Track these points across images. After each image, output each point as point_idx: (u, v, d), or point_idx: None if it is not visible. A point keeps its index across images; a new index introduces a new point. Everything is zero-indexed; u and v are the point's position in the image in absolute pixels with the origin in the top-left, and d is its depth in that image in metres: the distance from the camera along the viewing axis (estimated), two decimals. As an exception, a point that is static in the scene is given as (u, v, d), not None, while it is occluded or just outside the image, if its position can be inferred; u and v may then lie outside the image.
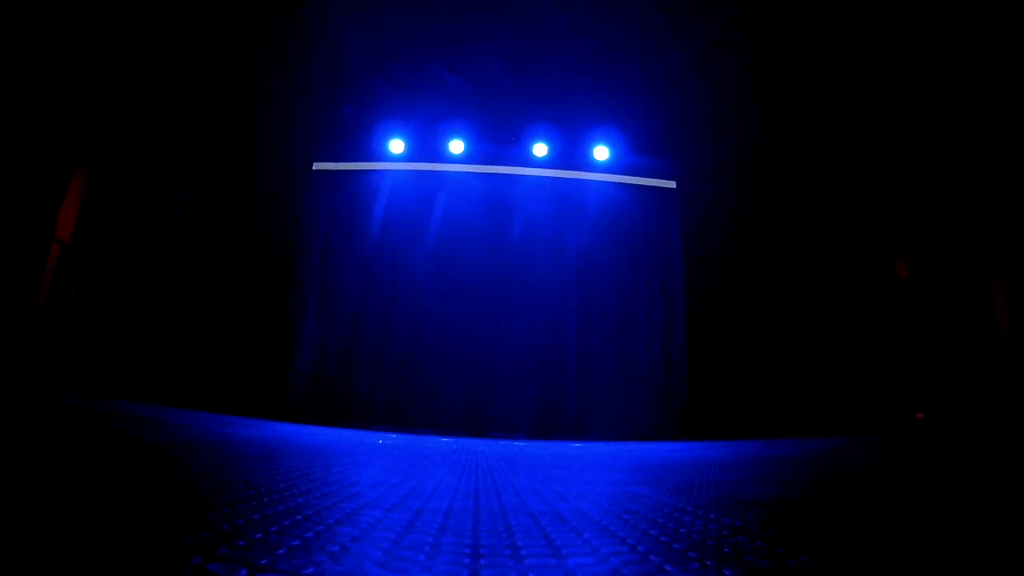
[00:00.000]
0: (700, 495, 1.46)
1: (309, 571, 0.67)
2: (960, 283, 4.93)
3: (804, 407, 6.32)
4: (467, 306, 7.36)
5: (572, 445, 4.76)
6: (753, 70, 6.19)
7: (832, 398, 6.30)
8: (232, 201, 7.09)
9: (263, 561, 0.68)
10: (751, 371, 6.92)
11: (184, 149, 6.02)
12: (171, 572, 0.63)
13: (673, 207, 8.06)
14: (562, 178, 8.07)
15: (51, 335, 6.05)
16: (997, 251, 5.14)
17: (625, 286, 7.86)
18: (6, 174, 4.65)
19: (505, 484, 1.72)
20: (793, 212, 7.25)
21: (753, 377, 6.88)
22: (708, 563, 0.77)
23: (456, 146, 7.77)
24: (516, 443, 4.82)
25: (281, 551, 0.73)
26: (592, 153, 7.83)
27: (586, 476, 2.24)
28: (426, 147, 7.88)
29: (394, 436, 4.79)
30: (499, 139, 7.86)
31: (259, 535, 0.80)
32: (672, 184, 8.10)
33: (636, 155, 7.93)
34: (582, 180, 8.10)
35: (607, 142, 7.72)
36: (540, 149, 7.77)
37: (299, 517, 0.96)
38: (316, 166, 7.96)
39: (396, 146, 7.81)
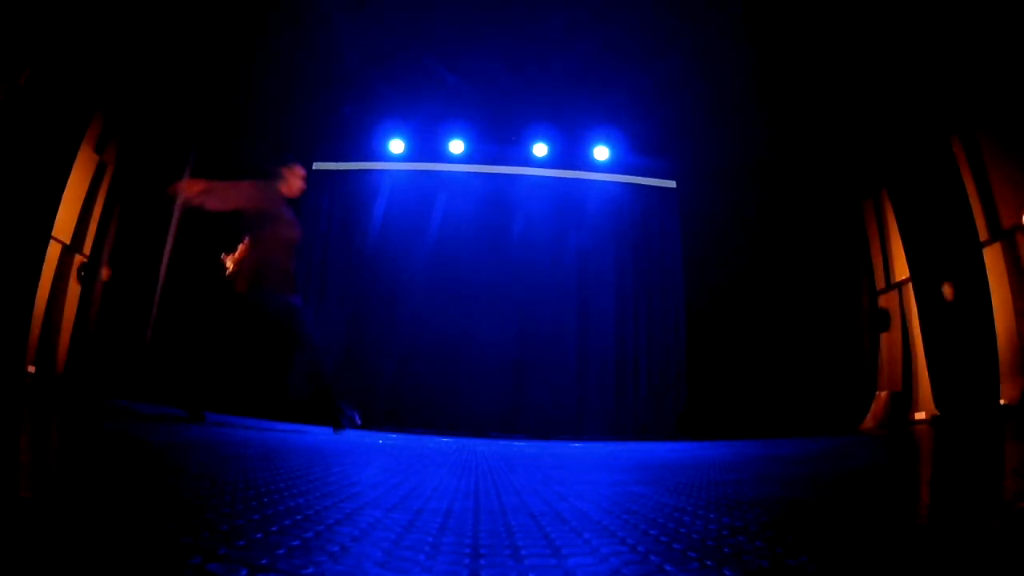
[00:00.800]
0: (700, 495, 1.46)
1: (309, 571, 0.67)
2: (961, 283, 4.92)
3: (804, 407, 6.33)
4: (467, 306, 7.36)
5: (572, 445, 4.76)
6: (753, 70, 6.19)
7: (832, 398, 6.31)
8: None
9: (263, 561, 0.68)
10: (751, 371, 6.92)
11: (184, 148, 6.02)
12: (171, 572, 0.63)
13: (673, 207, 8.06)
14: (562, 178, 8.07)
15: (50, 332, 6.05)
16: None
17: (625, 285, 7.86)
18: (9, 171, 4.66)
19: (505, 484, 1.72)
20: (794, 211, 7.25)
21: (753, 377, 6.88)
22: (708, 563, 0.77)
23: (456, 146, 7.76)
24: (516, 443, 4.82)
25: (281, 551, 0.73)
26: (592, 153, 7.83)
27: (586, 476, 2.24)
28: (426, 147, 7.87)
29: (394, 436, 4.79)
30: (499, 139, 7.85)
31: (259, 535, 0.80)
32: (672, 184, 8.10)
33: (636, 155, 7.93)
34: (582, 180, 8.09)
35: (607, 142, 7.72)
36: (540, 149, 7.77)
37: (299, 517, 0.96)
38: (316, 166, 7.95)
39: (396, 146, 7.80)
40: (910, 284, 5.86)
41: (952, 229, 4.98)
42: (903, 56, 5.24)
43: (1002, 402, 4.68)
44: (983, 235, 5.17)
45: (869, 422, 6.10)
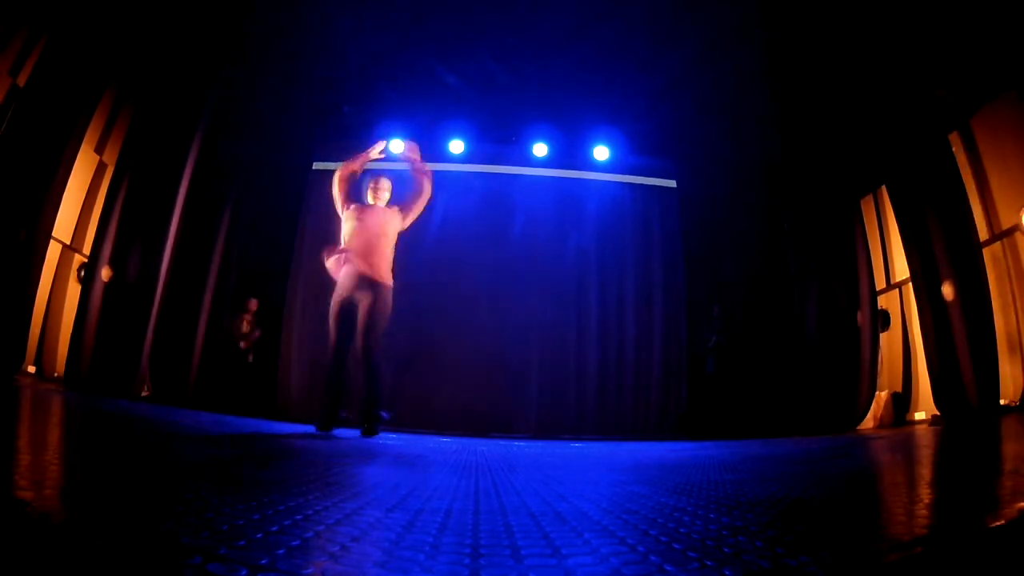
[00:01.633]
0: (700, 495, 1.46)
1: (309, 571, 0.67)
2: (961, 283, 4.92)
3: (804, 407, 6.32)
4: (466, 306, 7.36)
5: (572, 445, 4.76)
6: (753, 70, 6.19)
7: (832, 398, 6.30)
8: (231, 200, 7.09)
9: (263, 561, 0.68)
10: (751, 370, 6.92)
11: (183, 148, 6.01)
12: (171, 572, 0.63)
13: (673, 207, 8.06)
14: (562, 177, 8.07)
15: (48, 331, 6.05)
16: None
17: (625, 285, 7.86)
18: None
19: (505, 484, 1.72)
20: (794, 211, 7.25)
21: (754, 376, 6.88)
22: (708, 563, 0.77)
23: (456, 146, 7.76)
24: (516, 443, 4.82)
25: (281, 551, 0.73)
26: (592, 153, 7.83)
27: (586, 476, 2.25)
28: (426, 147, 7.86)
29: (394, 436, 4.79)
30: (499, 139, 7.85)
31: (259, 535, 0.80)
32: (672, 184, 8.10)
33: (636, 155, 7.93)
34: (582, 179, 8.09)
35: (607, 142, 7.72)
36: (540, 149, 7.77)
37: (299, 517, 0.96)
38: (316, 166, 7.95)
39: (396, 146, 7.79)
40: (910, 284, 5.86)
41: (952, 229, 4.98)
42: (903, 55, 5.24)
43: (1002, 402, 4.68)
44: (983, 235, 5.17)
45: (869, 422, 6.10)
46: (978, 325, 4.74)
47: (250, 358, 5.92)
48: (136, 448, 2.02)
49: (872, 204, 6.93)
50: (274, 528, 0.85)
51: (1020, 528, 0.96)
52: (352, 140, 7.92)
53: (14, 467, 1.19)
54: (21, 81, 5.22)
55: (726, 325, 7.03)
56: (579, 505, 1.31)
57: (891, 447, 3.50)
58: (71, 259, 6.46)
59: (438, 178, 8.23)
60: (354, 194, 4.45)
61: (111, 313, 5.43)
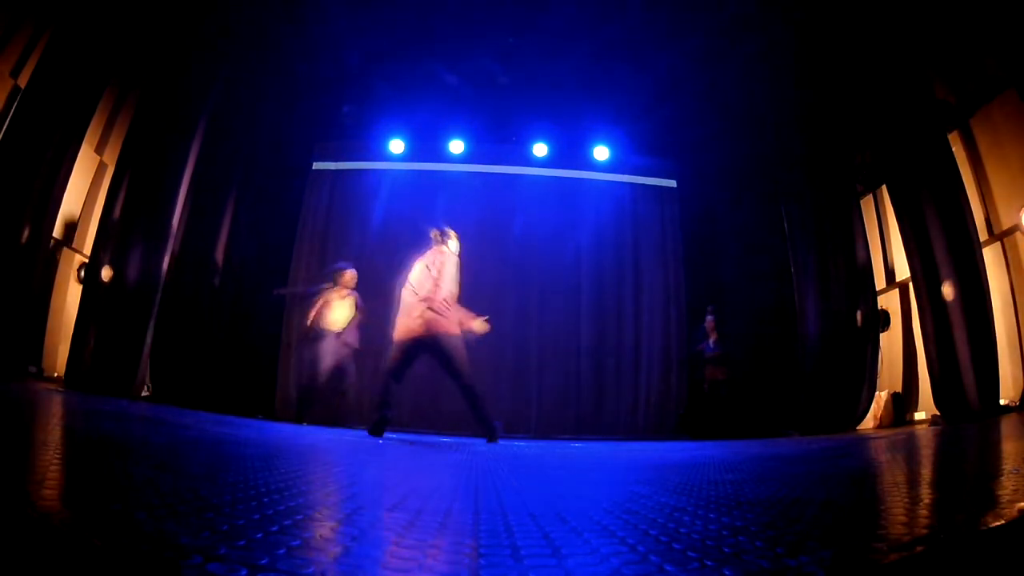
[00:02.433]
0: (700, 495, 1.46)
1: (309, 571, 0.67)
2: (961, 283, 4.92)
3: (804, 407, 6.32)
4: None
5: (572, 445, 4.76)
6: (753, 70, 6.19)
7: (832, 398, 6.29)
8: (231, 200, 7.08)
9: (263, 561, 0.68)
10: (751, 370, 6.91)
11: (183, 148, 6.01)
12: (171, 572, 0.63)
13: (673, 206, 8.06)
14: (562, 177, 8.07)
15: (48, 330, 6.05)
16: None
17: (625, 285, 7.86)
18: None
19: (505, 484, 1.72)
20: (793, 210, 7.23)
21: (754, 376, 6.87)
22: (708, 563, 0.77)
23: (456, 146, 7.76)
24: (516, 443, 4.82)
25: (281, 551, 0.73)
26: (592, 152, 7.83)
27: (586, 476, 2.25)
28: (426, 147, 7.87)
29: (394, 436, 4.79)
30: (499, 139, 7.85)
31: (259, 535, 0.80)
32: (672, 184, 8.10)
33: (636, 154, 7.93)
34: (582, 179, 8.09)
35: (607, 142, 7.72)
36: (540, 149, 7.77)
37: (299, 517, 0.96)
38: (316, 165, 7.94)
39: (396, 146, 7.80)
40: (910, 284, 5.86)
41: (952, 229, 4.98)
42: (903, 55, 5.23)
43: (1002, 402, 4.68)
44: (983, 235, 5.17)
45: (869, 422, 6.09)
46: (978, 325, 4.73)
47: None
48: (136, 448, 2.02)
49: (872, 204, 6.92)
50: (274, 528, 0.85)
51: (1020, 528, 0.96)
52: (352, 140, 7.93)
53: (14, 467, 1.19)
54: (22, 83, 5.22)
55: (720, 334, 6.95)
56: (579, 505, 1.31)
57: (891, 447, 3.50)
58: (71, 259, 6.46)
59: (439, 178, 8.26)
60: None
61: (111, 313, 5.42)
